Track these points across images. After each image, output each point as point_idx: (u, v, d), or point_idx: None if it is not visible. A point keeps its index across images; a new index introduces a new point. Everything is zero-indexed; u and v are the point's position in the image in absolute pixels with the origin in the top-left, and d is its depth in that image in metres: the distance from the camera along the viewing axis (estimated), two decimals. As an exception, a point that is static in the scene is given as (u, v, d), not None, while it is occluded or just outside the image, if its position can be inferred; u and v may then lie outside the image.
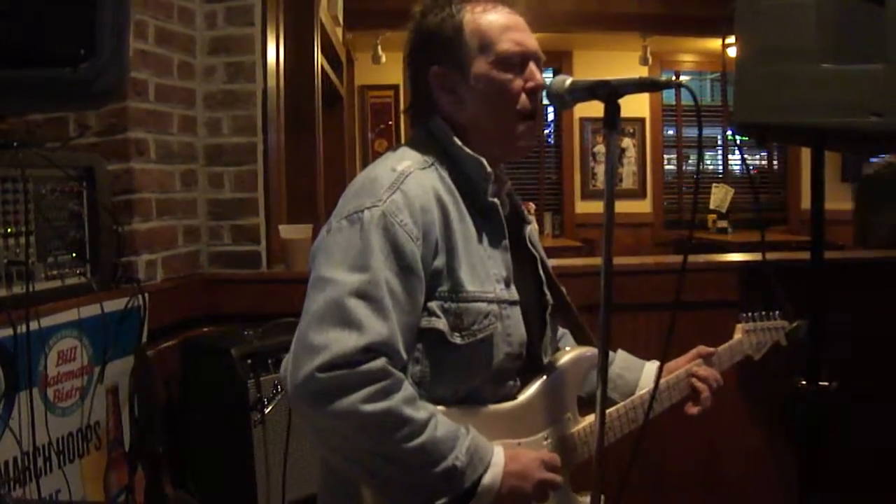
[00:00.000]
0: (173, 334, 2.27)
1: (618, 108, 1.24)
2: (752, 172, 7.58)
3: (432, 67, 1.37)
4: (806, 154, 5.31)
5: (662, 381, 1.51)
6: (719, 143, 7.43)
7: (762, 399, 2.59)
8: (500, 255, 1.36)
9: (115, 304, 1.92)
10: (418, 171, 1.31)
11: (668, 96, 7.21)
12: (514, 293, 1.36)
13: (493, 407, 1.35)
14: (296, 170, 3.14)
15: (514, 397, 1.38)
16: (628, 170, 7.08)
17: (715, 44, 6.54)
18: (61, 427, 1.73)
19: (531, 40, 1.38)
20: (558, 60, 6.78)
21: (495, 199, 1.38)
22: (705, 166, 7.46)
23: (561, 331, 1.60)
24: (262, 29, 2.62)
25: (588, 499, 1.29)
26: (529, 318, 1.39)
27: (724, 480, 2.61)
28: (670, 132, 7.34)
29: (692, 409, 1.57)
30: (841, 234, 3.98)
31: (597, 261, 1.91)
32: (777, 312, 1.74)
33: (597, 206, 4.47)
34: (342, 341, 1.16)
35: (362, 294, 1.19)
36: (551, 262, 1.54)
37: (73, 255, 1.86)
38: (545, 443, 1.40)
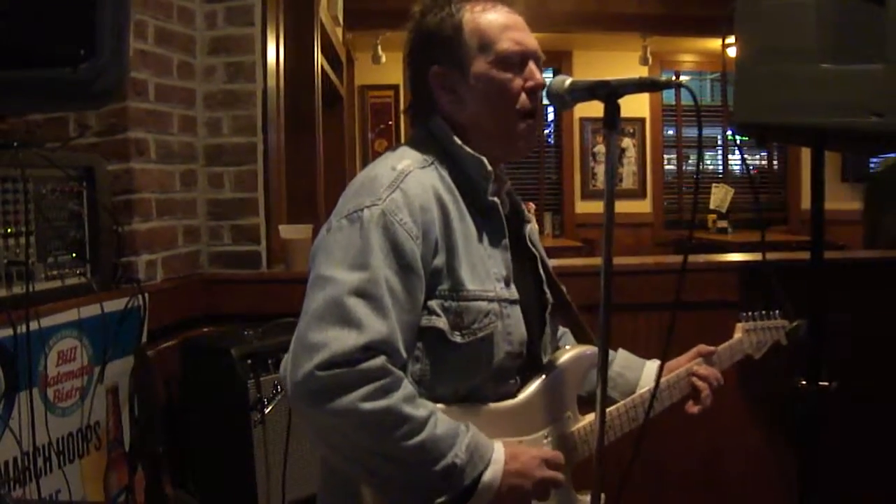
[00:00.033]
0: (173, 334, 2.27)
1: (618, 108, 1.24)
2: (752, 172, 7.57)
3: (432, 67, 1.37)
4: (806, 154, 5.30)
5: (663, 380, 1.51)
6: (719, 143, 7.43)
7: (762, 399, 2.59)
8: (500, 254, 1.36)
9: (115, 305, 1.92)
10: (418, 170, 1.31)
11: (668, 96, 7.21)
12: (514, 292, 1.36)
13: (493, 405, 1.35)
14: (296, 170, 3.14)
15: (514, 396, 1.38)
16: (628, 170, 7.08)
17: (715, 44, 6.54)
18: (61, 427, 1.73)
19: (531, 39, 1.38)
20: (558, 60, 6.78)
21: (495, 199, 1.38)
22: (705, 166, 7.46)
23: (561, 329, 1.60)
24: (262, 29, 2.62)
25: (588, 497, 1.29)
26: (529, 317, 1.39)
27: (725, 480, 2.61)
28: (670, 132, 7.33)
29: (692, 408, 1.57)
30: (841, 234, 3.99)
31: (597, 261, 1.91)
32: (777, 312, 1.74)
33: (597, 206, 4.46)
34: (342, 340, 1.16)
35: (362, 293, 1.19)
36: (551, 262, 1.54)
37: (73, 255, 1.86)
38: (545, 441, 1.41)
